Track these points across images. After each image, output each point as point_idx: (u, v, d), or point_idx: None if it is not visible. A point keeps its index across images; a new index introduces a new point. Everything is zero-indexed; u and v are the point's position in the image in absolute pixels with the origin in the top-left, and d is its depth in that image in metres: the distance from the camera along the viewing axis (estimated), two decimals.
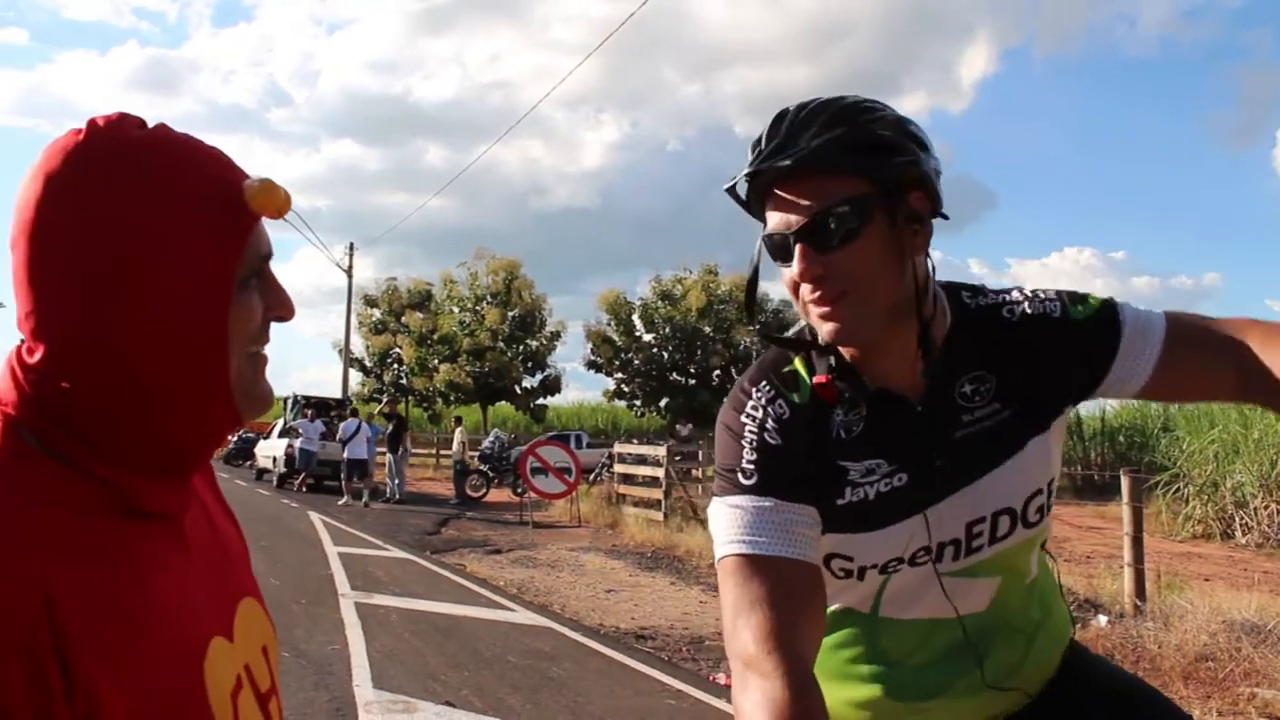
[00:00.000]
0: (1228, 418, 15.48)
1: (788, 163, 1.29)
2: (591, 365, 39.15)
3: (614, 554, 12.49)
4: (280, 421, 25.36)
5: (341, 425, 20.10)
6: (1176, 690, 5.85)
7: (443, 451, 29.34)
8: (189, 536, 0.95)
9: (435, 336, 37.54)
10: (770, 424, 1.39)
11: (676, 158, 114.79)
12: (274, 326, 0.96)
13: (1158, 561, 7.69)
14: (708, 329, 37.63)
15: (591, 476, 20.10)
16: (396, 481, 19.96)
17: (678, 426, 30.87)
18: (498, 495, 20.05)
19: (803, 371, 1.44)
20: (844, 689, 1.57)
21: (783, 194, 1.33)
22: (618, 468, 17.81)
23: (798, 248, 1.31)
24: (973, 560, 1.48)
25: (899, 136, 1.33)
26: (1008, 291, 1.49)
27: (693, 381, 38.12)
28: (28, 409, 0.84)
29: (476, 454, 21.42)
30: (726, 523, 1.34)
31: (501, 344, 37.27)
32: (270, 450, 23.80)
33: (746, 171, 1.35)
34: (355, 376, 39.68)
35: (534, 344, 38.38)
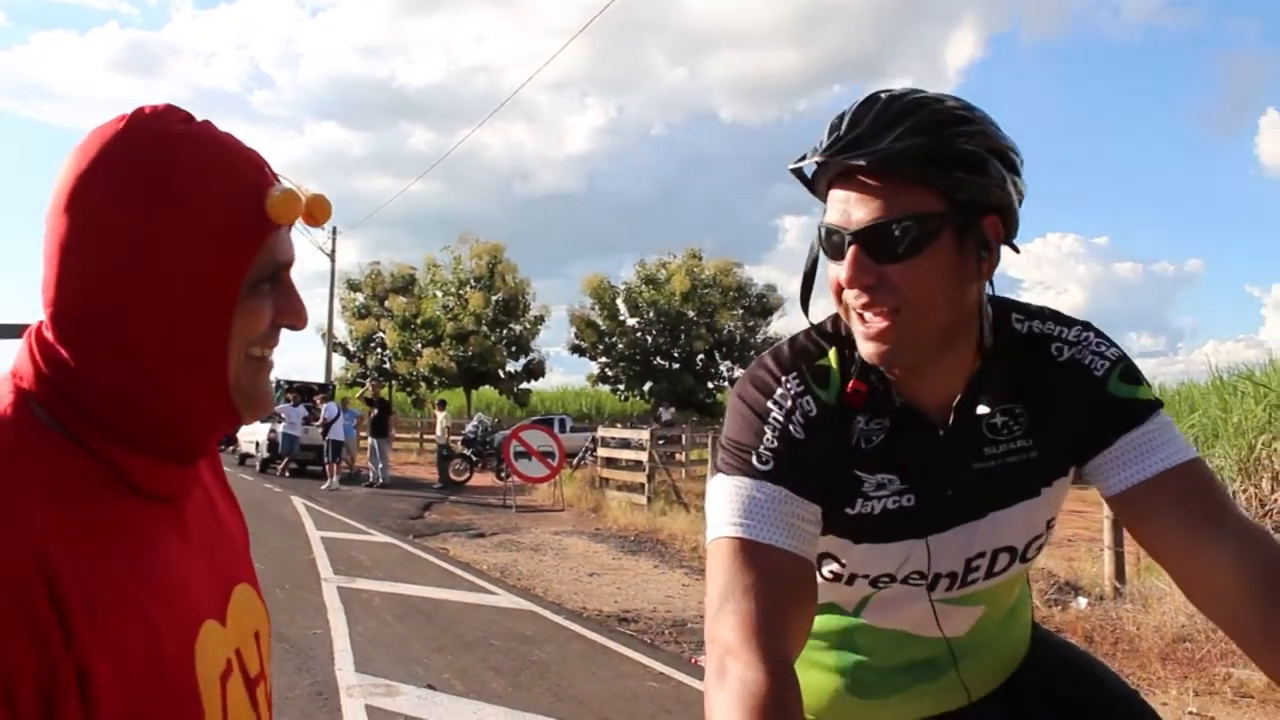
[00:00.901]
0: (1208, 402, 15.56)
1: (862, 162, 1.21)
2: (575, 349, 39.20)
3: (597, 537, 12.49)
4: None
5: (324, 408, 20.03)
6: (1154, 671, 5.91)
7: (426, 436, 29.30)
8: (189, 521, 0.97)
9: (419, 321, 37.44)
10: (798, 417, 1.32)
11: (662, 142, 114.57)
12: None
13: (1137, 544, 7.73)
14: (691, 313, 37.67)
15: (575, 460, 20.09)
16: (380, 466, 19.91)
17: (660, 410, 30.88)
18: (481, 479, 20.02)
19: (835, 368, 1.36)
20: (805, 673, 1.53)
21: (850, 187, 1.25)
22: (601, 451, 17.81)
23: (851, 250, 1.23)
24: (964, 592, 1.46)
25: (987, 155, 1.23)
26: (1071, 326, 1.39)
27: (676, 366, 38.18)
28: (41, 384, 0.87)
29: (460, 438, 21.39)
30: (729, 502, 1.29)
31: (485, 328, 37.20)
32: (253, 435, 23.67)
33: (819, 158, 1.25)
34: (339, 361, 39.58)
35: (518, 328, 38.34)
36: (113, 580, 0.83)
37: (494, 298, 37.55)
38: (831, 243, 1.27)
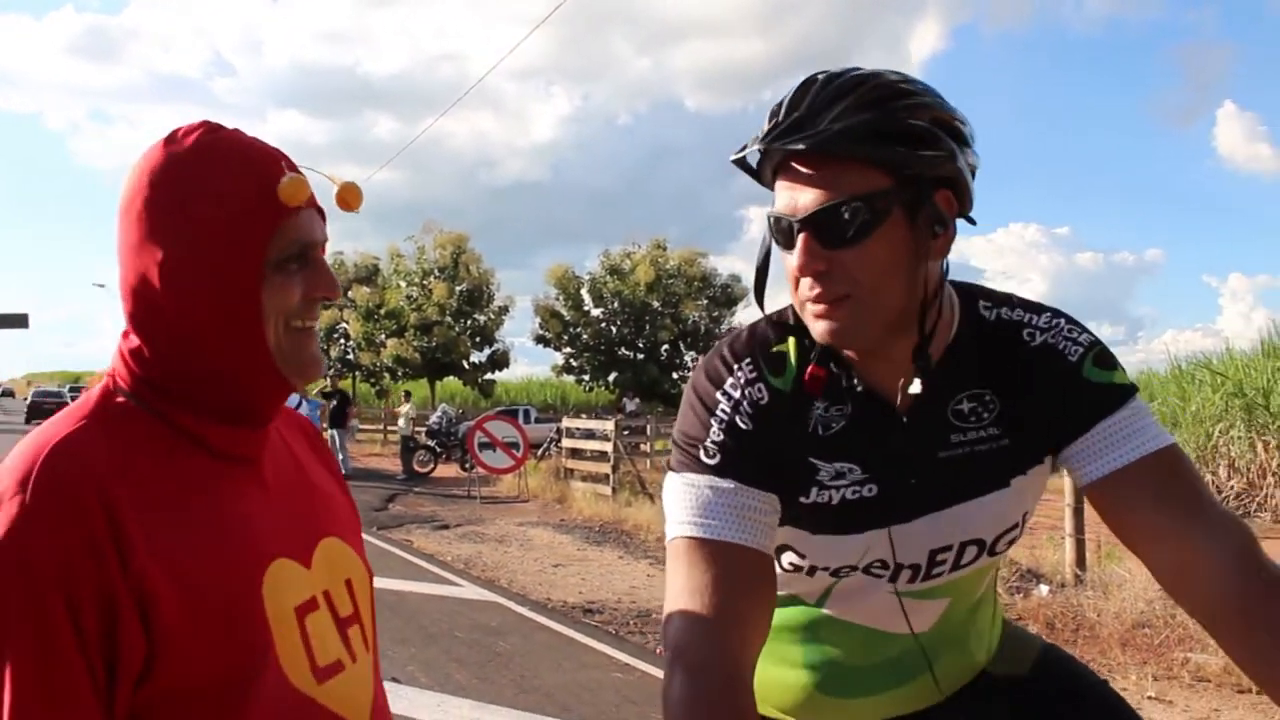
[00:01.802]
0: (1166, 390, 15.77)
1: (801, 146, 1.17)
2: (540, 340, 38.98)
3: (562, 528, 12.48)
4: None
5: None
6: (1115, 657, 5.98)
7: (390, 427, 29.10)
8: (269, 478, 1.12)
9: (382, 311, 37.11)
10: (745, 407, 1.29)
11: (627, 132, 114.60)
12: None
13: (1098, 532, 7.82)
14: (656, 304, 37.60)
15: (540, 451, 20.04)
16: (341, 458, 19.75)
17: (625, 401, 30.86)
18: (445, 471, 19.95)
19: (793, 356, 1.33)
20: (774, 668, 1.52)
21: (794, 174, 1.21)
22: (566, 442, 17.79)
23: (801, 238, 1.20)
24: (928, 585, 1.42)
25: (933, 128, 1.19)
26: (1040, 312, 1.36)
27: (641, 356, 38.11)
28: (128, 373, 1.04)
29: (424, 429, 21.28)
30: (680, 501, 1.27)
31: (449, 319, 36.93)
32: None
33: (758, 146, 1.22)
34: None
35: (482, 319, 38.09)
36: (177, 518, 0.97)
37: (458, 288, 37.26)
38: (781, 231, 1.24)
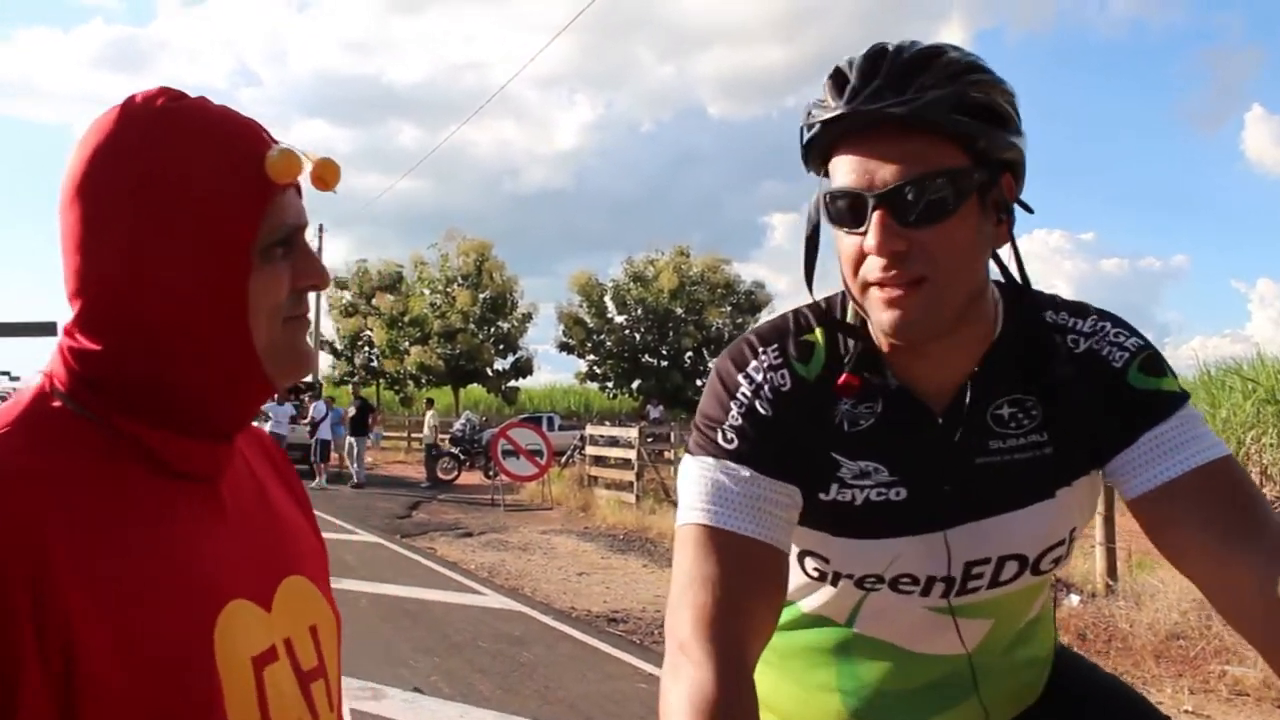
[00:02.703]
0: (1195, 397, 15.54)
1: (902, 110, 1.08)
2: (563, 347, 39.05)
3: (585, 536, 12.43)
4: None
5: (312, 407, 19.94)
6: (1148, 669, 5.87)
7: (414, 434, 29.18)
8: (228, 503, 0.96)
9: (406, 319, 37.24)
10: (766, 391, 1.23)
11: (650, 139, 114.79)
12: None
13: (1129, 541, 7.72)
14: (679, 310, 37.59)
15: (563, 459, 20.02)
16: (355, 466, 19.81)
17: (648, 408, 30.84)
18: (469, 478, 19.97)
19: (821, 344, 1.27)
20: (804, 693, 1.45)
21: (867, 147, 1.12)
22: (589, 450, 17.75)
23: (876, 214, 1.10)
24: (966, 601, 1.33)
25: (1010, 108, 1.14)
26: (1086, 315, 1.29)
27: (664, 363, 38.11)
28: (69, 375, 0.89)
29: (448, 437, 21.32)
30: (694, 486, 1.21)
31: (473, 326, 37.01)
32: None
33: (843, 107, 1.11)
34: (326, 359, 39.42)
35: (505, 326, 38.15)
36: (115, 545, 0.82)
37: (481, 295, 37.36)
38: (848, 209, 1.14)
